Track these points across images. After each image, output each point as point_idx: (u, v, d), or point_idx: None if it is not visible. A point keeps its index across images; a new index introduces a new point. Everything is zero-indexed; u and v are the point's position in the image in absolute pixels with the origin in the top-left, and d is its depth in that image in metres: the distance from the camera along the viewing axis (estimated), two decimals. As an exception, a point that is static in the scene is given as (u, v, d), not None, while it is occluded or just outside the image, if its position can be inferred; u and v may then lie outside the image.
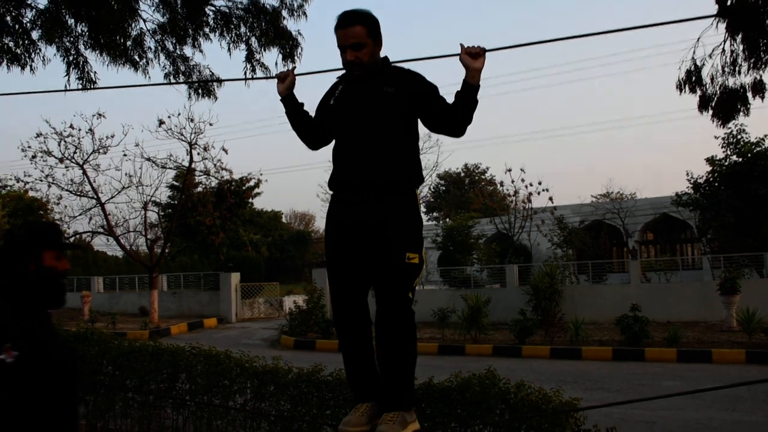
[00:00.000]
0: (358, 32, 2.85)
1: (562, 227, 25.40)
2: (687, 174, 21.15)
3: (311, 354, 13.63)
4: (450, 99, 2.96)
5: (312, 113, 3.23)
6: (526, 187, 25.30)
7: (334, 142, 3.09)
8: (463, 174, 53.99)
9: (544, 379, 9.71)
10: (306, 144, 3.26)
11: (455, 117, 2.91)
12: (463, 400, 5.13)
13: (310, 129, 3.19)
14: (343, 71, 3.06)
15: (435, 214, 52.34)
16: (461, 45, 2.91)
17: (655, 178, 70.38)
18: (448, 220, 32.65)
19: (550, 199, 25.19)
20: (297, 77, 3.21)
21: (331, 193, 3.04)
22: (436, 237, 27.06)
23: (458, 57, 2.90)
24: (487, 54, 2.90)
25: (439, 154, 59.66)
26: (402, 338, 2.86)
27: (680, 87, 7.68)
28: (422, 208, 3.06)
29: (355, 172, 2.88)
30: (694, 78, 7.61)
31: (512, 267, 20.18)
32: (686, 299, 17.31)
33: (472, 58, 2.85)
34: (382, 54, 3.02)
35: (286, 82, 3.16)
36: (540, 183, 25.26)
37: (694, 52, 7.56)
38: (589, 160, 75.29)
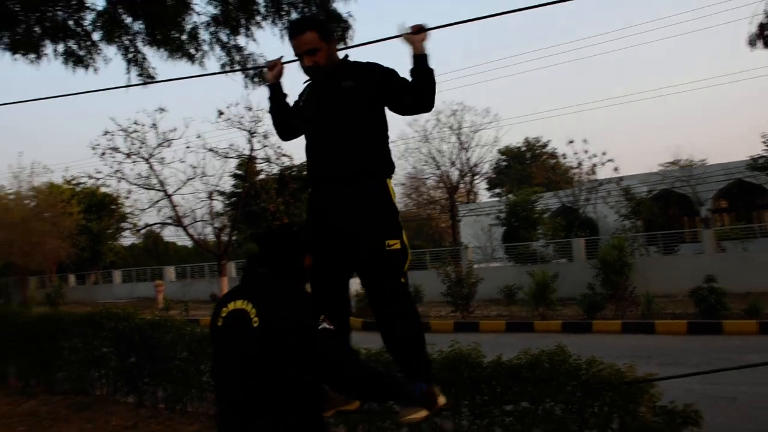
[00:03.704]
0: (309, 38, 2.93)
1: (629, 198, 24.63)
2: (763, 136, 20.19)
3: (376, 335, 13.72)
4: None
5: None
6: (590, 158, 24.74)
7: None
8: (524, 148, 53.10)
9: (616, 354, 9.49)
10: (278, 133, 3.38)
11: (417, 92, 2.92)
12: (533, 377, 5.06)
13: (283, 120, 3.30)
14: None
15: (497, 190, 51.75)
16: (401, 25, 2.97)
17: (726, 142, 67.46)
18: (510, 195, 32.22)
19: (616, 169, 24.63)
20: (285, 65, 3.32)
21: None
22: (500, 213, 26.76)
23: (402, 38, 2.96)
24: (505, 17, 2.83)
25: (498, 130, 58.58)
26: (402, 324, 2.89)
27: (752, 42, 7.33)
28: (396, 197, 3.08)
29: (322, 167, 2.97)
30: (767, 32, 7.24)
31: (579, 241, 19.79)
32: (766, 268, 16.61)
33: (413, 34, 2.91)
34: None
35: (274, 71, 3.28)
36: (604, 153, 24.76)
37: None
38: (655, 126, 72.81)
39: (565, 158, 29.26)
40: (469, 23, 3.24)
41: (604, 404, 4.70)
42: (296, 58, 3.04)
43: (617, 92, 77.40)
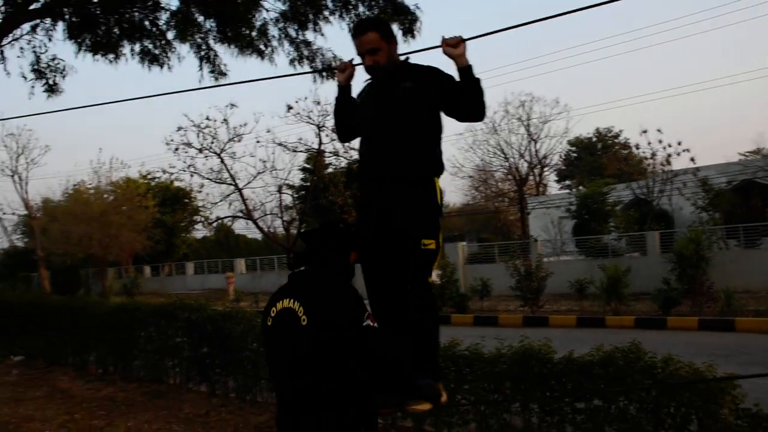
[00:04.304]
0: (371, 38, 3.02)
1: (707, 189, 23.65)
2: None
3: (446, 328, 13.60)
4: None
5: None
6: (664, 148, 23.90)
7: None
8: (594, 139, 51.77)
9: (693, 352, 9.14)
10: (337, 133, 3.49)
11: (467, 103, 2.99)
12: (606, 374, 4.94)
13: (346, 122, 3.36)
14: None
15: (567, 182, 50.68)
16: (442, 38, 3.01)
17: (813, 130, 63.86)
18: (581, 188, 31.50)
19: (692, 159, 23.68)
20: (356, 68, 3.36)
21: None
22: (570, 206, 26.20)
23: (441, 50, 3.00)
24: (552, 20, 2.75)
25: (569, 120, 57.29)
26: (422, 319, 2.95)
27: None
28: (441, 197, 3.14)
29: (375, 165, 3.05)
30: None
31: (653, 234, 19.18)
32: None
33: (452, 48, 2.94)
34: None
35: (345, 73, 3.31)
36: (679, 143, 23.77)
37: None
38: (734, 115, 69.73)
39: (638, 149, 28.21)
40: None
41: (682, 404, 4.54)
42: (359, 57, 3.12)
43: (692, 79, 74.59)
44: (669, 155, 23.72)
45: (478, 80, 2.93)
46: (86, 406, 7.86)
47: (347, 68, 3.31)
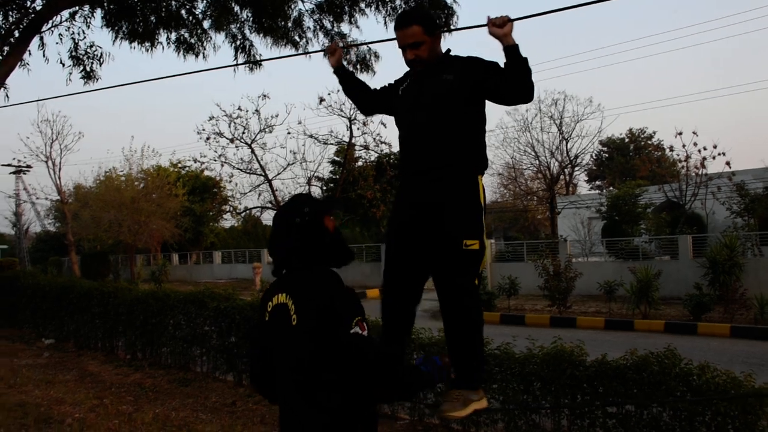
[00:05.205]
0: (414, 32, 2.97)
1: (743, 194, 23.18)
2: None
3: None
4: None
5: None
6: (699, 151, 23.43)
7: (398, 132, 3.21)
8: (627, 139, 51.11)
9: (725, 360, 8.98)
10: (359, 108, 3.49)
11: (514, 83, 2.88)
12: (640, 379, 4.85)
13: (364, 95, 3.37)
14: None
15: (597, 182, 50.11)
16: (488, 17, 2.91)
17: None
18: (611, 188, 31.06)
19: (728, 163, 23.17)
20: (350, 47, 3.45)
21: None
22: (600, 207, 25.88)
23: (487, 29, 2.91)
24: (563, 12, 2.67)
25: (603, 120, 56.49)
26: (467, 323, 2.88)
27: None
28: (484, 195, 3.02)
29: (416, 159, 2.99)
30: None
31: (685, 237, 18.83)
32: None
33: (498, 27, 2.85)
34: None
35: (335, 55, 3.36)
36: (715, 146, 23.27)
37: None
38: (771, 120, 68.25)
39: (672, 150, 27.71)
40: (573, 9, 3.10)
41: (718, 414, 4.44)
42: (399, 49, 3.08)
43: (730, 82, 73.19)
44: (704, 158, 23.26)
45: (525, 60, 2.83)
46: (115, 390, 7.95)
47: (336, 50, 3.37)
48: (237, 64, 9.60)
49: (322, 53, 3.65)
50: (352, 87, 3.39)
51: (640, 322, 13.57)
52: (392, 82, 3.30)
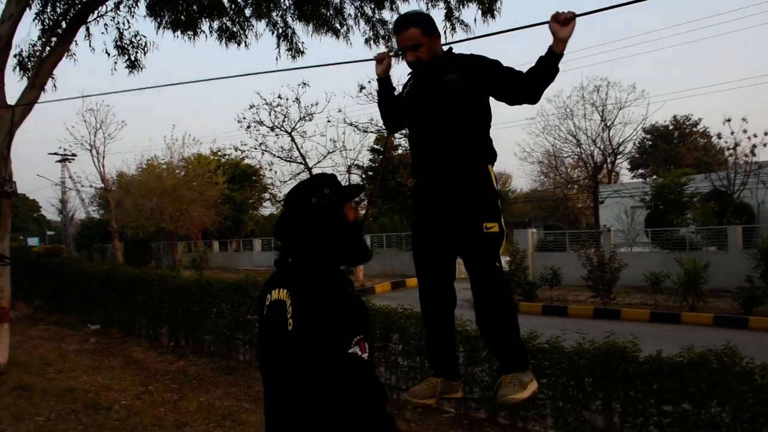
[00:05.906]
0: (413, 34, 2.99)
1: (796, 183, 22.45)
2: None
3: (513, 317, 13.40)
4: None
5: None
6: (749, 138, 22.76)
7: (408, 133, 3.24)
8: (671, 127, 49.91)
9: (781, 355, 8.67)
10: (385, 125, 3.48)
11: (528, 82, 2.84)
12: (698, 377, 4.68)
13: (392, 113, 3.34)
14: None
15: (640, 170, 49.09)
16: (556, 12, 2.76)
17: None
18: (655, 177, 30.35)
19: (780, 151, 22.49)
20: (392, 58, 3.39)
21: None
22: (644, 195, 25.32)
23: (548, 24, 2.77)
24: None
25: (648, 107, 55.18)
26: (499, 306, 2.90)
27: None
28: (496, 182, 3.09)
29: (426, 160, 3.03)
30: None
31: (735, 228, 18.30)
32: None
33: (561, 25, 2.72)
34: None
35: (383, 64, 3.30)
36: (766, 134, 22.59)
37: None
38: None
39: (719, 138, 26.93)
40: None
41: (784, 415, 4.24)
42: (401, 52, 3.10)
43: (780, 67, 70.83)
44: (754, 146, 22.58)
45: (557, 70, 2.80)
46: (160, 378, 8.02)
47: (384, 59, 3.30)
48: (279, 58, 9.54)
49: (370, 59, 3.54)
50: (386, 103, 3.36)
51: (688, 315, 13.24)
52: (401, 90, 3.31)
